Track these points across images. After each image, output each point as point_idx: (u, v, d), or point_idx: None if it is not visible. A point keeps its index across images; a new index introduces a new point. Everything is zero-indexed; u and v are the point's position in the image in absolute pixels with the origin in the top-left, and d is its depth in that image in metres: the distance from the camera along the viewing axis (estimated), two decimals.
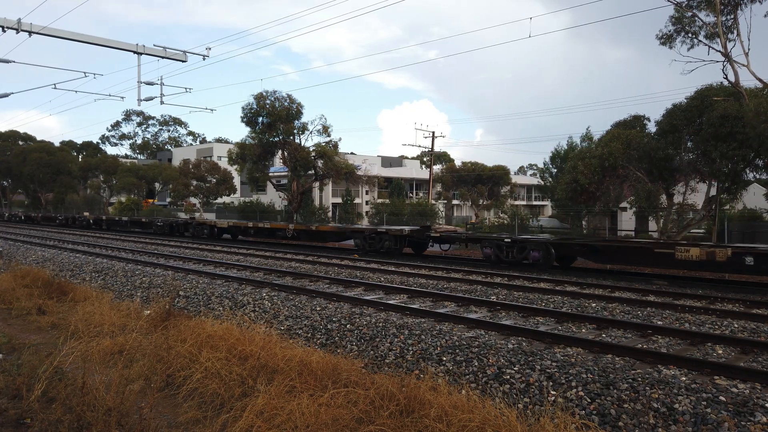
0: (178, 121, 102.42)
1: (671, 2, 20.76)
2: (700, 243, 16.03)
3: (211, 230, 31.07)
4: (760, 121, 17.03)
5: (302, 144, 36.19)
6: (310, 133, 36.36)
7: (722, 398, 5.57)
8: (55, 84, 21.64)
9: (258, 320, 9.36)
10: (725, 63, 19.92)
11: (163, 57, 17.61)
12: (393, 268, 17.04)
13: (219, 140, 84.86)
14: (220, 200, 53.36)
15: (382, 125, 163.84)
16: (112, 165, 60.94)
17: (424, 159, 77.25)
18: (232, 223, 31.40)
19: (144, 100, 19.92)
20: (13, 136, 72.21)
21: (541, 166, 58.48)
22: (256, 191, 49.69)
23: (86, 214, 49.83)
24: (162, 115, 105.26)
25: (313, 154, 36.26)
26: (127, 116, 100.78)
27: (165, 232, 34.62)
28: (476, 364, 7.04)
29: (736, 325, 9.39)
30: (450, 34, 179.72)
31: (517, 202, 58.79)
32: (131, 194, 58.91)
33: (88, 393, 5.14)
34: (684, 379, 6.20)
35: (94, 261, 18.30)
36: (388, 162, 68.76)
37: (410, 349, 7.82)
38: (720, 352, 7.72)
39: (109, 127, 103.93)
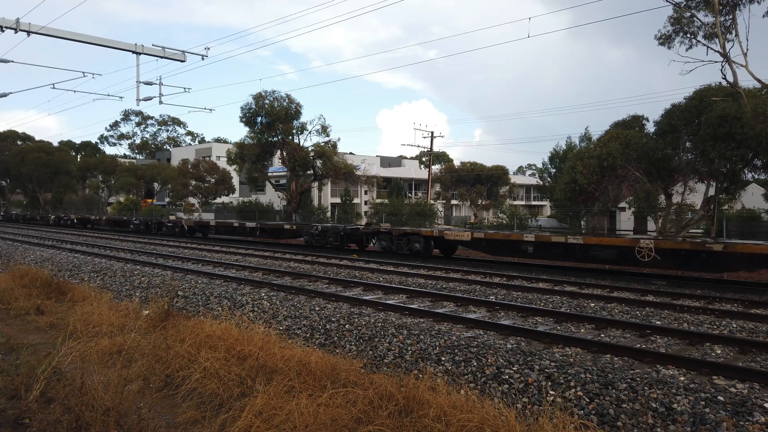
0: (176, 121, 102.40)
1: (670, 2, 20.78)
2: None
3: (426, 243, 20.71)
4: (758, 122, 17.06)
5: (301, 144, 36.19)
6: (309, 133, 36.37)
7: (721, 398, 5.57)
8: (53, 84, 21.65)
9: (257, 320, 9.35)
10: (724, 63, 19.94)
11: (161, 57, 17.61)
12: (392, 269, 17.04)
13: (218, 140, 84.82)
14: (218, 200, 53.32)
15: (381, 125, 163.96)
16: (111, 165, 60.84)
17: (423, 159, 77.30)
18: (470, 235, 19.61)
19: (143, 99, 19.91)
20: (11, 135, 72.10)
21: (540, 166, 58.54)
22: (255, 191, 49.64)
23: (178, 215, 39.18)
24: (161, 115, 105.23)
25: (312, 154, 36.25)
26: (126, 116, 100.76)
27: (327, 244, 24.34)
28: (475, 364, 7.04)
29: (734, 325, 9.41)
30: (449, 33, 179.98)
31: (516, 202, 58.87)
32: (130, 194, 58.85)
33: (87, 393, 5.14)
34: (682, 378, 6.20)
35: (93, 261, 18.28)
36: (387, 162, 68.79)
37: (409, 349, 7.83)
38: (718, 351, 7.73)
39: (108, 127, 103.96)
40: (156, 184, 61.69)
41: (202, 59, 18.49)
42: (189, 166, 49.55)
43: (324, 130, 36.13)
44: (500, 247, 19.47)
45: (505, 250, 19.40)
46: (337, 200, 49.33)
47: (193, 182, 49.16)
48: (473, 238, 19.58)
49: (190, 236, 33.45)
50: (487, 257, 21.22)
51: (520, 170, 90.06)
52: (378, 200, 47.29)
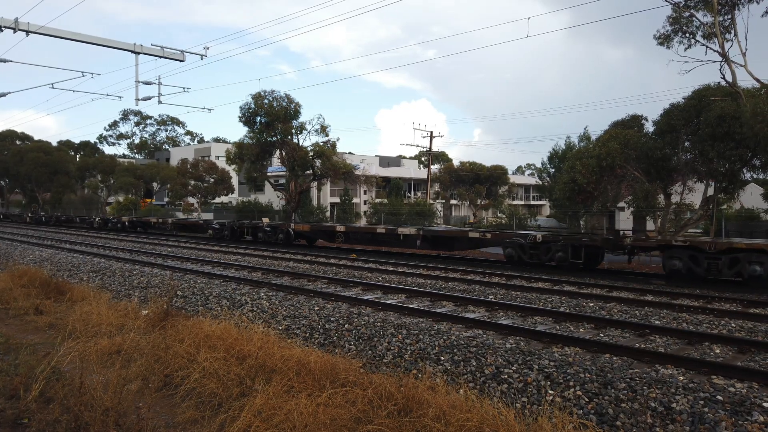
0: (175, 121, 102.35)
1: (669, 2, 20.79)
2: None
3: None
4: (757, 121, 17.04)
5: (300, 144, 36.18)
6: (308, 132, 36.35)
7: (720, 397, 5.57)
8: (52, 83, 21.62)
9: (256, 320, 9.35)
10: (723, 63, 19.94)
11: (160, 56, 17.59)
12: (391, 268, 17.03)
13: (217, 140, 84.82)
14: (218, 200, 53.32)
15: (381, 125, 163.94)
16: (110, 165, 60.80)
17: (422, 159, 77.35)
18: None
19: (142, 99, 19.88)
20: (10, 135, 72.00)
21: (539, 165, 58.63)
22: (254, 191, 49.68)
23: (288, 224, 27.39)
24: (160, 115, 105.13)
25: (311, 153, 36.25)
26: (125, 116, 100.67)
27: (550, 261, 17.66)
28: (474, 363, 7.04)
29: (733, 325, 9.42)
30: (449, 33, 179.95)
31: (515, 202, 58.87)
32: (129, 194, 58.82)
33: (86, 393, 5.13)
34: (681, 378, 6.21)
35: (92, 261, 18.26)
36: (386, 162, 68.77)
37: (408, 348, 7.82)
38: (717, 351, 7.74)
39: (107, 127, 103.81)
40: (155, 184, 61.67)
41: (201, 59, 18.47)
42: (188, 166, 49.52)
43: (323, 129, 36.13)
44: None
45: None
46: (336, 200, 49.32)
47: (192, 182, 49.14)
48: None
49: (291, 245, 25.95)
50: None
51: (519, 170, 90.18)
52: (377, 200, 47.29)
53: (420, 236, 21.35)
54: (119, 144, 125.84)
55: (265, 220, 30.01)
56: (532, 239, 18.00)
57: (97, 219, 42.31)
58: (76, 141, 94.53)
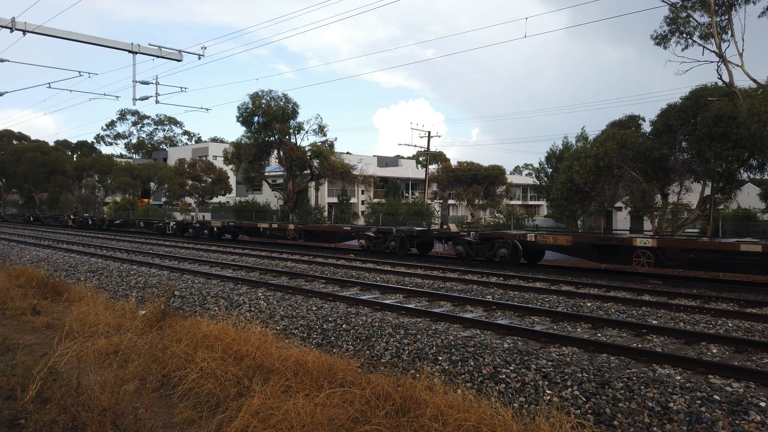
0: (173, 121, 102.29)
1: (666, 2, 20.83)
2: None
3: None
4: (753, 122, 17.09)
5: (298, 143, 36.19)
6: (306, 132, 36.41)
7: (716, 397, 5.58)
8: (49, 83, 21.62)
9: (254, 320, 9.34)
10: (719, 63, 19.99)
11: (158, 56, 17.57)
12: (389, 268, 17.03)
13: (214, 140, 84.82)
14: (215, 200, 53.26)
15: (379, 125, 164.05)
16: (107, 164, 60.69)
17: (420, 159, 77.43)
18: None
19: (139, 99, 19.85)
20: (7, 135, 71.78)
21: (536, 165, 58.68)
22: (252, 191, 49.60)
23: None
24: (157, 115, 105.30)
25: (309, 153, 36.27)
26: (122, 115, 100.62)
27: None
28: (472, 363, 7.04)
29: (730, 324, 9.44)
30: (447, 33, 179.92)
31: (512, 202, 58.94)
32: (126, 194, 58.73)
33: (83, 393, 5.12)
34: (679, 378, 6.21)
35: (89, 261, 18.22)
36: (384, 162, 68.78)
37: (406, 348, 7.82)
38: (714, 351, 7.75)
39: (104, 127, 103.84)
40: (152, 184, 61.58)
41: (199, 58, 18.46)
42: (186, 166, 49.43)
43: (321, 129, 36.16)
44: None
45: None
46: (334, 200, 49.29)
47: (190, 182, 49.08)
48: None
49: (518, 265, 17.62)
50: None
51: (517, 170, 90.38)
52: (375, 200, 47.30)
53: None
54: (116, 144, 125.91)
55: (453, 226, 21.50)
56: None
57: (171, 224, 33.13)
58: (73, 141, 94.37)
